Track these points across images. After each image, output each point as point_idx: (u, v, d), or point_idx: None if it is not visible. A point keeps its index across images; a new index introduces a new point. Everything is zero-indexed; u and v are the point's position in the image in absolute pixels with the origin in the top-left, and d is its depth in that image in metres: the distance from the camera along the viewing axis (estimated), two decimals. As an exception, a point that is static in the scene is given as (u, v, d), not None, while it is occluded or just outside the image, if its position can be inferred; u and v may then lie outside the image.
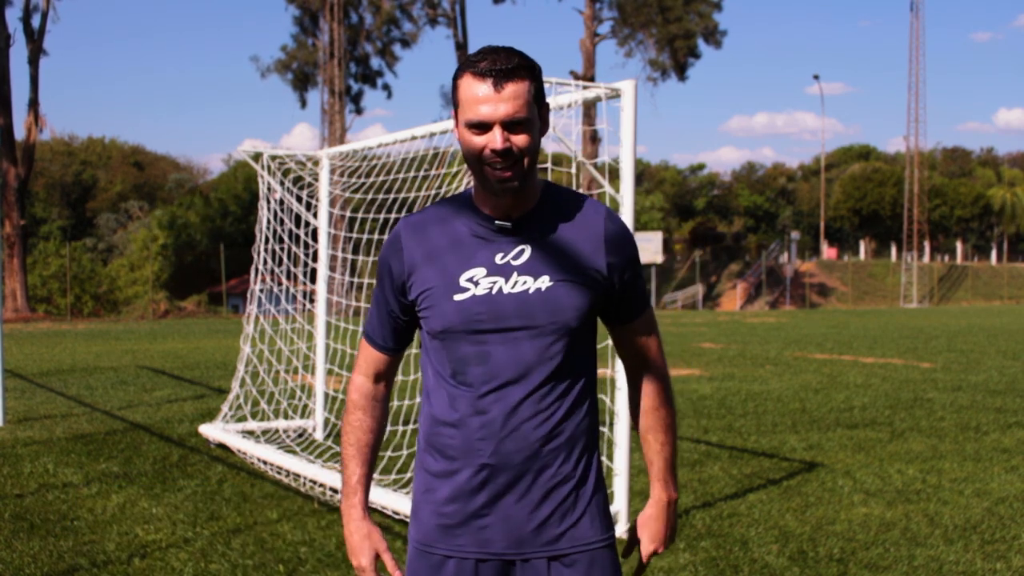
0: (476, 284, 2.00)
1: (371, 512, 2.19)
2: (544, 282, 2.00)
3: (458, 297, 2.00)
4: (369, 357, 2.21)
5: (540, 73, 1.99)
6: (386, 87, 49.06)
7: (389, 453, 6.66)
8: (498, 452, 1.99)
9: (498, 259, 2.02)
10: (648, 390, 2.19)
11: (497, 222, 2.03)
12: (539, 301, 1.99)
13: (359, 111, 49.71)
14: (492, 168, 1.95)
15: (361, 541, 2.13)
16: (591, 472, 2.11)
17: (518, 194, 2.00)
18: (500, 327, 1.99)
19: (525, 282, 2.00)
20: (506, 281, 2.00)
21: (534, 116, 1.96)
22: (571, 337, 2.02)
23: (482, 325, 1.99)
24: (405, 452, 6.56)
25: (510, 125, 1.92)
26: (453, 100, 1.99)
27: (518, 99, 1.92)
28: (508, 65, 1.91)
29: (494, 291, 1.99)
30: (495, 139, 1.92)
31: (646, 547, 2.22)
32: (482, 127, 1.93)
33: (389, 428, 6.89)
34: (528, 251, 2.02)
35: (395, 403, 7.02)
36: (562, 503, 2.04)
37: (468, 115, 1.93)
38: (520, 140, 1.94)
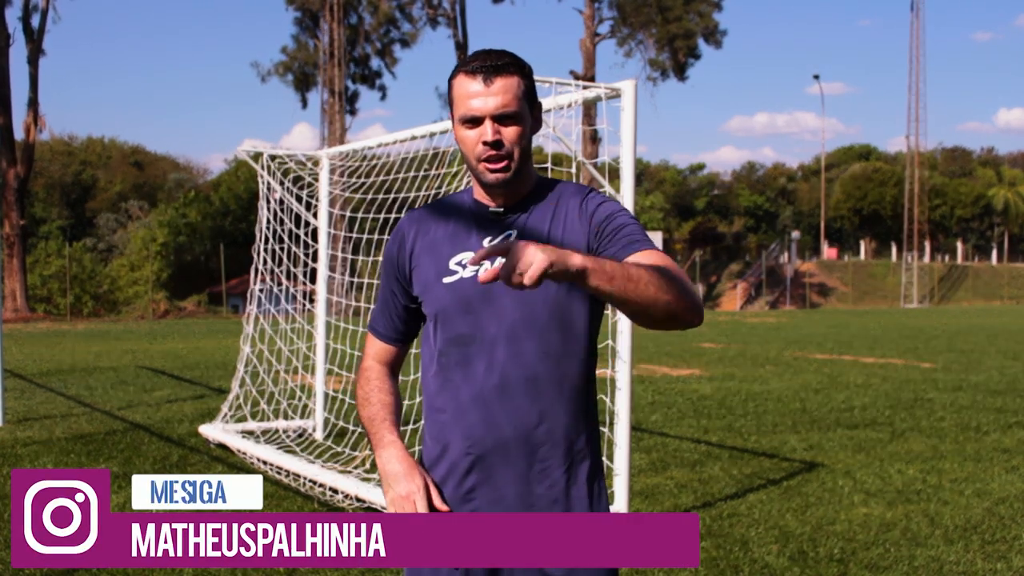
0: (464, 267, 2.06)
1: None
2: None
3: (447, 280, 2.07)
4: (374, 348, 2.27)
5: (530, 73, 2.06)
6: (382, 88, 48.87)
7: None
8: (491, 432, 2.01)
9: (486, 244, 2.08)
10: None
11: (490, 209, 2.11)
12: None
13: (356, 111, 49.66)
14: (486, 162, 2.01)
15: (410, 469, 2.09)
16: (586, 454, 2.09)
17: (511, 187, 2.06)
18: (489, 308, 2.03)
19: None
20: (492, 264, 2.02)
21: (524, 111, 2.03)
22: (562, 315, 2.04)
23: (472, 307, 2.04)
24: (405, 452, 6.54)
25: (501, 119, 1.99)
26: (449, 101, 2.07)
27: (507, 93, 1.99)
28: (498, 62, 2.00)
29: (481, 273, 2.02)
30: (486, 131, 1.99)
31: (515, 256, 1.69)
32: (474, 121, 2.00)
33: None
34: (514, 236, 2.08)
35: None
36: (552, 487, 2.04)
37: (461, 111, 2.01)
38: (510, 133, 2.01)
